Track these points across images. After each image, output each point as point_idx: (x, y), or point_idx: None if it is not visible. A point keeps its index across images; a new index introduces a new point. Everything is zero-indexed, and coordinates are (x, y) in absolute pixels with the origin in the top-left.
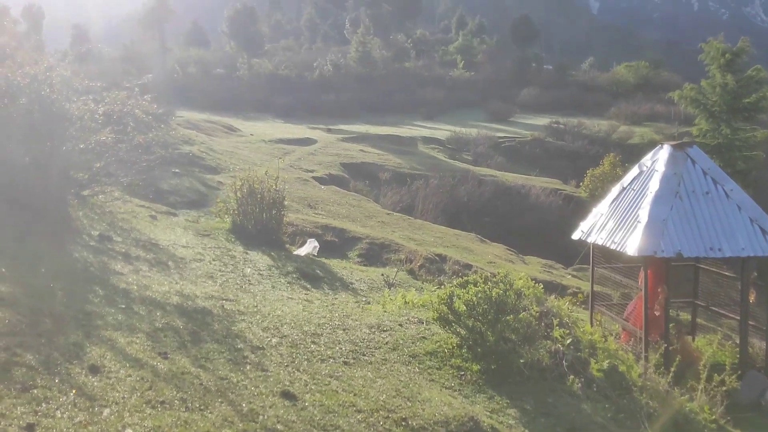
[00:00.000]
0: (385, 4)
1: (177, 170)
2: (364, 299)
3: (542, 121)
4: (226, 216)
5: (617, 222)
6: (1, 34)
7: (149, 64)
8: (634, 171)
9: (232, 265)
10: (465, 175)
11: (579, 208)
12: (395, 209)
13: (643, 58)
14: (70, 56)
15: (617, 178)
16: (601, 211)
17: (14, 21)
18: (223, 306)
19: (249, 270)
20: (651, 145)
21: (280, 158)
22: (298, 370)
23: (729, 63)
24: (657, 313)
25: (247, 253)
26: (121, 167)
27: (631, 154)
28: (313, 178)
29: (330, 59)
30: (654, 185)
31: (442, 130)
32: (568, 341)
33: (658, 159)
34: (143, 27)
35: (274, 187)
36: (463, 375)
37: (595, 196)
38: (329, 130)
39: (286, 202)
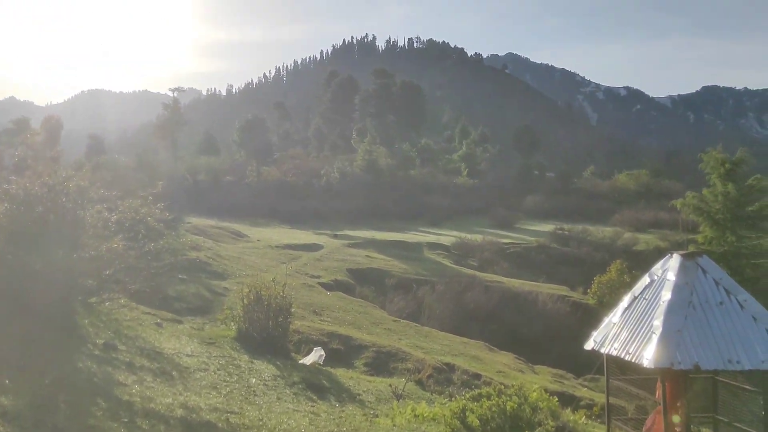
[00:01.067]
0: (390, 114)
1: (184, 276)
2: (371, 412)
3: (547, 227)
4: (232, 323)
5: (631, 332)
6: (21, 145)
7: (161, 172)
8: (645, 280)
9: (237, 374)
10: (471, 281)
11: (587, 316)
12: (401, 316)
13: (642, 166)
14: (86, 165)
15: (625, 285)
16: (613, 320)
17: (34, 132)
18: (228, 419)
19: (254, 380)
20: (657, 251)
21: (286, 264)
22: None
23: (729, 172)
24: (678, 429)
25: (252, 362)
26: (130, 274)
27: (637, 260)
28: (320, 284)
29: (337, 167)
30: (666, 295)
31: (447, 236)
32: None
33: (669, 268)
34: (157, 137)
35: (280, 293)
36: None
37: (604, 303)
38: (335, 236)
39: (292, 309)
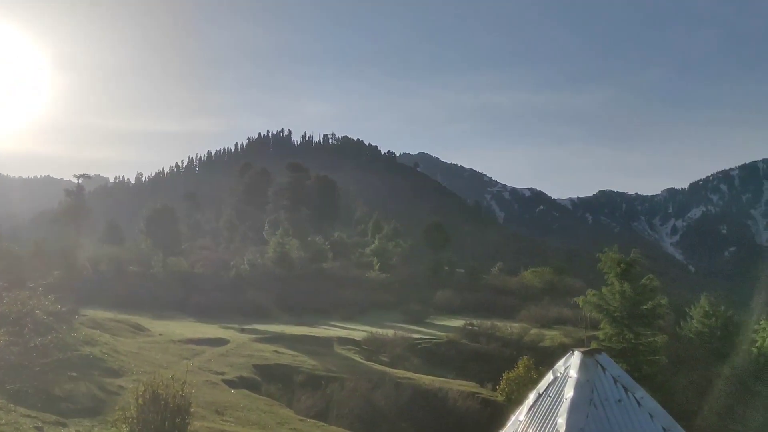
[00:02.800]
0: (304, 208)
1: (74, 374)
2: None
3: (457, 322)
4: (123, 425)
5: (536, 430)
6: None
7: (59, 262)
8: (549, 377)
9: None
10: (382, 377)
11: (497, 413)
12: (309, 414)
13: (547, 264)
14: None
15: (532, 381)
16: (519, 418)
17: None
18: None
19: None
20: (561, 348)
21: (189, 360)
22: None
23: (624, 272)
24: None
25: None
26: (10, 372)
27: (544, 356)
28: (223, 381)
29: (247, 258)
30: (569, 392)
31: (358, 331)
32: None
33: (570, 365)
34: (58, 224)
35: (179, 392)
36: None
37: (512, 400)
38: (243, 330)
39: (192, 409)
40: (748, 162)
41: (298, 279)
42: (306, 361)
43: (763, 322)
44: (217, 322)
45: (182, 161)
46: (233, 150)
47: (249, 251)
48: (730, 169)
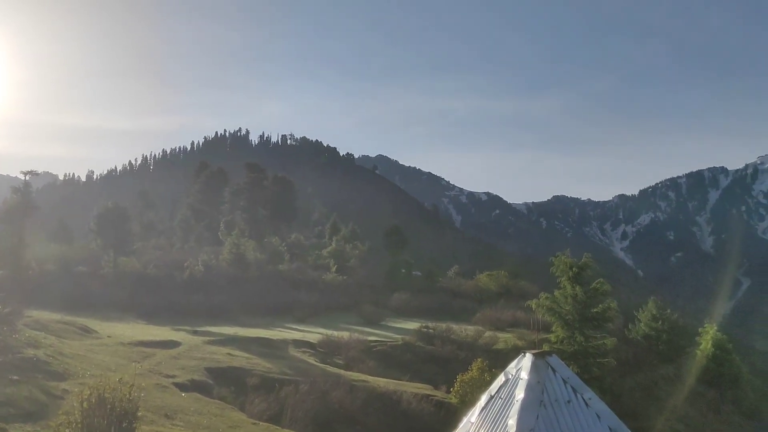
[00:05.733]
0: (261, 208)
1: (16, 377)
2: None
3: (412, 325)
4: (67, 431)
5: (488, 431)
6: None
7: (4, 261)
8: (501, 379)
9: None
10: (336, 380)
11: (450, 415)
12: (262, 418)
13: (502, 267)
14: None
15: (486, 383)
16: (471, 420)
17: None
18: None
19: None
20: (515, 350)
21: (138, 363)
22: None
23: (576, 276)
24: None
25: None
26: None
27: (497, 358)
28: (174, 384)
29: (202, 259)
30: (520, 394)
31: (314, 333)
32: None
33: (522, 367)
34: (4, 222)
35: (127, 395)
36: None
37: (466, 402)
38: (195, 332)
39: (139, 413)
40: (694, 170)
41: (253, 280)
42: (260, 364)
43: (706, 325)
44: (168, 324)
45: (136, 159)
46: (189, 149)
47: (204, 252)
48: (678, 177)
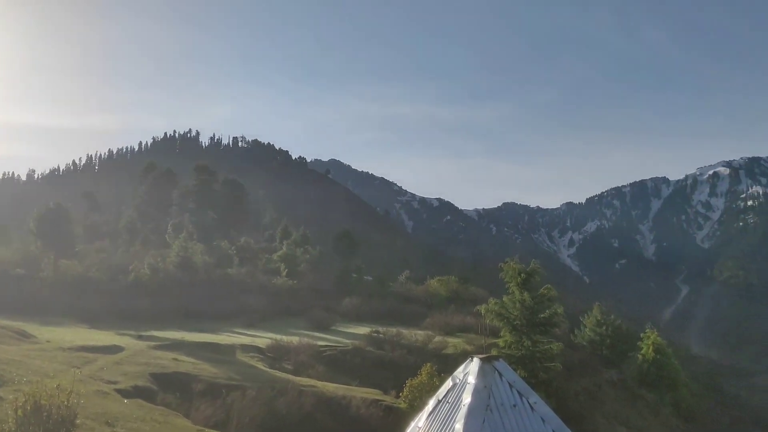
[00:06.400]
0: (210, 211)
1: None
2: None
3: (363, 330)
4: None
5: None
6: None
7: None
8: (448, 383)
9: None
10: (285, 385)
11: (399, 420)
12: (208, 424)
13: (453, 273)
14: None
15: (434, 388)
16: (419, 424)
17: None
18: None
19: None
20: (464, 355)
21: (79, 368)
22: None
23: (524, 281)
24: None
25: None
26: None
27: (446, 363)
28: (116, 390)
29: (148, 263)
30: (467, 398)
31: (263, 338)
32: None
33: (469, 372)
34: None
35: (65, 402)
36: None
37: (415, 406)
38: (140, 337)
39: (78, 420)
40: (638, 180)
41: (201, 284)
42: (206, 369)
43: (648, 331)
44: (112, 329)
45: (80, 159)
46: (137, 149)
47: (150, 255)
48: (623, 186)
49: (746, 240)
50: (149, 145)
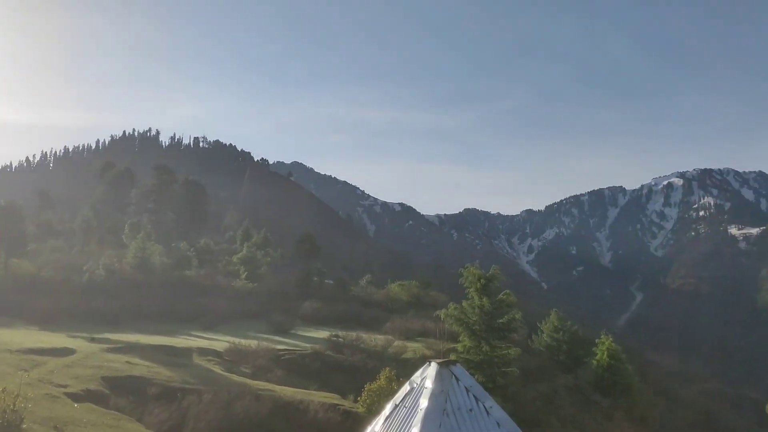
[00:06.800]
0: (169, 212)
1: None
2: None
3: (323, 334)
4: None
5: None
6: None
7: None
8: (406, 388)
9: None
10: (242, 389)
11: (357, 424)
12: (162, 429)
13: (414, 277)
14: None
15: (393, 392)
16: (375, 429)
17: None
18: None
19: None
20: (423, 360)
21: (26, 371)
22: None
23: (484, 287)
24: None
25: None
26: None
27: (406, 368)
28: (66, 394)
29: (103, 263)
30: (424, 402)
31: (220, 341)
32: None
33: (427, 376)
34: None
35: (11, 406)
36: None
37: (373, 411)
38: (93, 340)
39: (24, 425)
40: (596, 189)
41: (158, 286)
42: (161, 373)
43: (603, 337)
44: (64, 331)
45: (34, 156)
46: (95, 147)
47: (106, 255)
48: (581, 194)
49: (697, 249)
50: (107, 143)
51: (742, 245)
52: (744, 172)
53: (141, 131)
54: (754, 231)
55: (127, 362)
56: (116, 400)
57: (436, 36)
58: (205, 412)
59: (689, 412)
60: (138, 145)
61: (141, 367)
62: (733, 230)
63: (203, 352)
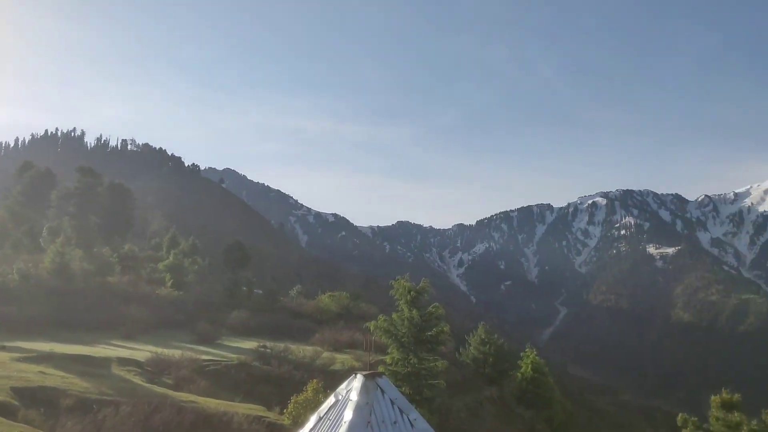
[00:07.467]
0: (93, 216)
1: None
2: None
3: (250, 344)
4: None
5: None
6: None
7: None
8: (331, 400)
9: None
10: (163, 401)
11: None
12: None
13: (345, 289)
14: None
15: (320, 404)
16: None
17: None
18: None
19: None
20: (351, 371)
21: None
22: None
23: (414, 299)
24: None
25: None
26: None
27: (333, 380)
28: None
29: (17, 268)
30: (348, 415)
31: (142, 351)
32: None
33: (352, 388)
34: None
35: None
36: None
37: (299, 423)
38: (3, 348)
39: None
40: (525, 205)
41: (77, 293)
42: (77, 384)
43: (527, 350)
44: None
45: None
46: (13, 145)
47: (21, 260)
48: (511, 210)
49: (618, 267)
50: (27, 141)
51: (659, 264)
52: (662, 194)
53: (65, 131)
54: (670, 250)
55: (40, 372)
56: (26, 412)
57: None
58: (121, 424)
59: (606, 423)
60: (61, 145)
61: (55, 378)
62: (651, 249)
63: (123, 362)
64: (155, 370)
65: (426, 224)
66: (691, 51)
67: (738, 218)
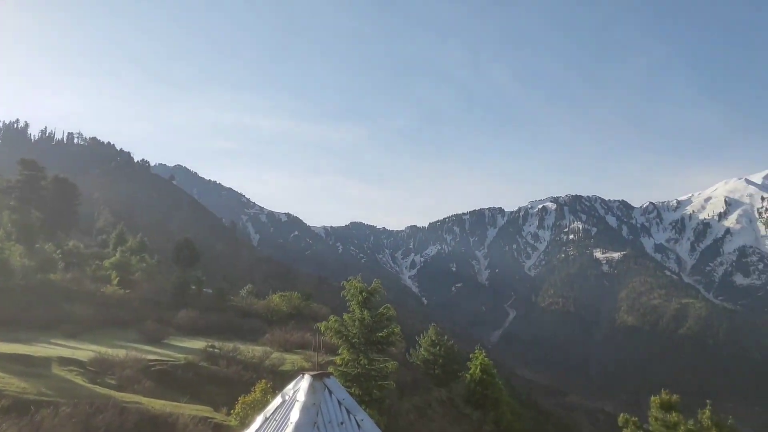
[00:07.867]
0: (35, 210)
1: None
2: None
3: (198, 344)
4: None
5: None
6: None
7: None
8: (277, 400)
9: None
10: (105, 402)
11: None
12: None
13: (297, 289)
14: None
15: (268, 405)
16: None
17: None
18: None
19: None
20: (300, 372)
21: None
22: None
23: (365, 300)
24: None
25: None
26: None
27: (283, 380)
28: None
29: None
30: (295, 415)
31: (85, 351)
32: None
33: (300, 389)
34: None
35: None
36: None
37: (246, 424)
38: None
39: None
40: (477, 209)
41: (17, 290)
42: (13, 384)
43: (477, 351)
44: None
45: None
46: None
47: None
48: (463, 213)
49: (566, 270)
50: None
51: (605, 268)
52: (609, 200)
53: (6, 122)
54: (616, 255)
55: None
56: None
57: (328, 52)
58: (61, 426)
59: (552, 423)
60: (2, 137)
61: None
62: (598, 254)
63: (64, 361)
64: (98, 370)
65: (379, 225)
66: (639, 62)
67: (680, 225)
